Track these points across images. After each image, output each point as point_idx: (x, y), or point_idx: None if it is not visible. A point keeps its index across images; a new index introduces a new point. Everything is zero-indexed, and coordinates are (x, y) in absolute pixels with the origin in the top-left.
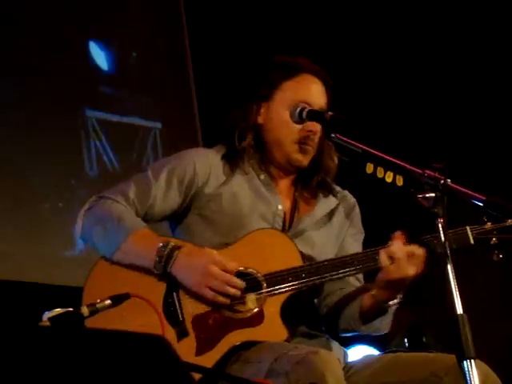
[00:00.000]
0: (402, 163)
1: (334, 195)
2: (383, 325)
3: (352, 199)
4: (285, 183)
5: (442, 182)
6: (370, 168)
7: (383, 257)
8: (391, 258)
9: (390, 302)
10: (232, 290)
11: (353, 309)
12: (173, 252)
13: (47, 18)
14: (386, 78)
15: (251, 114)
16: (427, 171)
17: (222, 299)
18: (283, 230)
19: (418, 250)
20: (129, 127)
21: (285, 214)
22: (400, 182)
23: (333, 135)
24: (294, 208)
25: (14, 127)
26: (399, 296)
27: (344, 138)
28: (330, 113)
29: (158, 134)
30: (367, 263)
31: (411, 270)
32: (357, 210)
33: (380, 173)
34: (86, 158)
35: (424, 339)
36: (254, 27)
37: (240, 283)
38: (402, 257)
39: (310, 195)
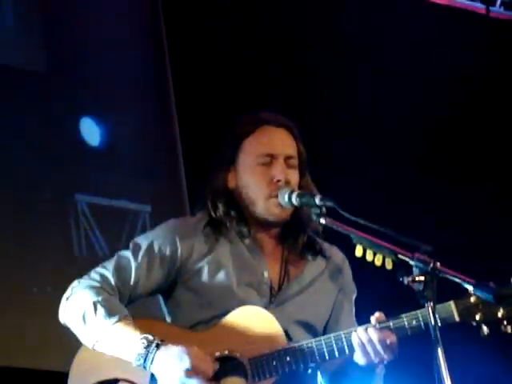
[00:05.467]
0: (391, 246)
1: (323, 255)
2: None
3: (340, 256)
4: (271, 243)
5: (432, 265)
6: (359, 251)
7: (355, 340)
8: (361, 342)
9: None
10: None
11: (343, 380)
12: (150, 353)
13: (38, 99)
14: (374, 161)
15: (219, 180)
16: (416, 254)
17: None
18: (271, 296)
19: (390, 337)
20: (118, 210)
21: (271, 281)
22: (389, 265)
23: (322, 219)
24: (283, 272)
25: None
26: (381, 366)
27: (333, 221)
28: (319, 196)
29: (147, 217)
30: (352, 345)
31: (378, 357)
32: (346, 267)
33: (370, 255)
34: (75, 241)
35: None
36: (245, 108)
37: None
38: (371, 343)
39: (299, 256)
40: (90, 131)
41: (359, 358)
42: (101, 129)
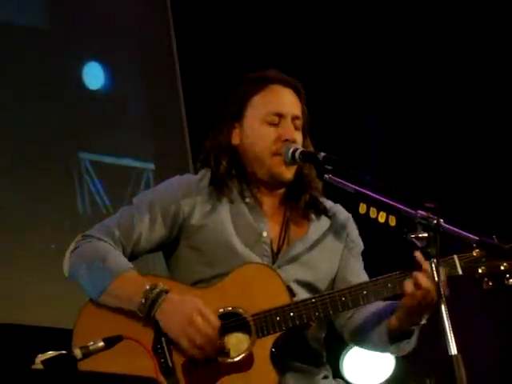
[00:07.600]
0: (395, 203)
1: (326, 214)
2: (409, 345)
3: (344, 214)
4: (273, 204)
5: (435, 222)
6: (362, 208)
7: (409, 284)
8: (417, 285)
9: (415, 327)
10: (208, 347)
11: (381, 329)
12: (159, 296)
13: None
14: (379, 117)
15: (224, 136)
16: (420, 211)
17: (196, 352)
18: (272, 257)
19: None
20: (121, 168)
21: (272, 241)
22: (393, 222)
23: (326, 176)
24: (284, 232)
25: (3, 171)
26: (424, 319)
27: (337, 179)
28: (322, 153)
29: (151, 174)
30: (356, 299)
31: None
32: (351, 224)
33: (373, 213)
34: (79, 200)
35: (428, 382)
36: (248, 65)
37: (216, 341)
38: (430, 284)
39: (302, 216)
40: (93, 78)
41: (409, 303)
42: (105, 75)
